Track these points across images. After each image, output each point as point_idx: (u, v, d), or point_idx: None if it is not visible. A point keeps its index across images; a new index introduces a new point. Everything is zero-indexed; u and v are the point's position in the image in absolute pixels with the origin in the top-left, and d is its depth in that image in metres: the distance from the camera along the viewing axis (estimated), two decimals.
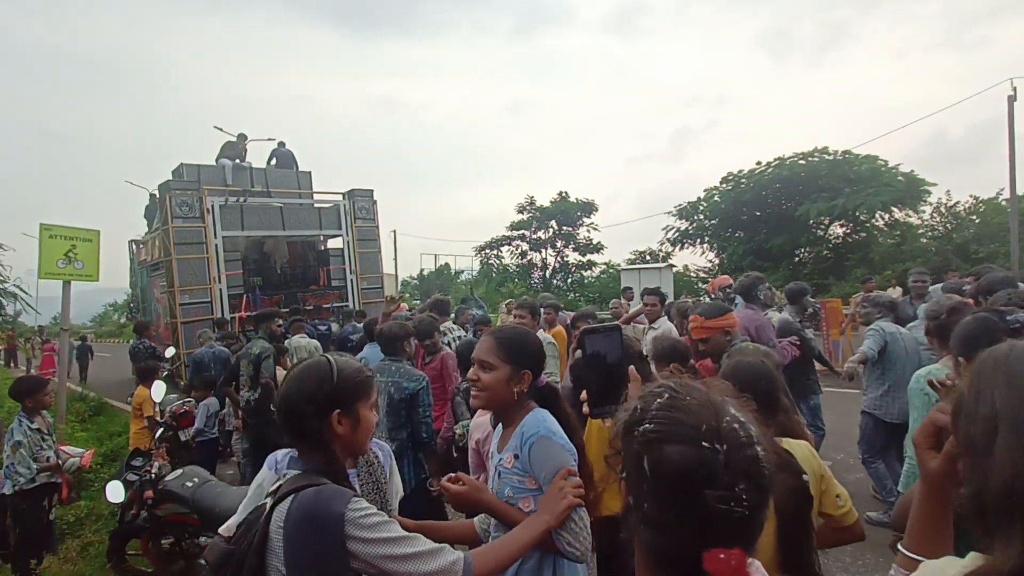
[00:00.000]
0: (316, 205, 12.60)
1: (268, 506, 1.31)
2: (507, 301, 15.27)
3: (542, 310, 5.74)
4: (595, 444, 2.41)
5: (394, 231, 27.58)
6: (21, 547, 3.94)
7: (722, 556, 0.68)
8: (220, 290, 10.85)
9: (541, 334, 5.14)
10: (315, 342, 7.31)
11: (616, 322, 3.69)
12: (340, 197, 12.64)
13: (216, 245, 10.86)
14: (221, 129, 17.72)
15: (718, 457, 0.71)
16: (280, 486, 1.35)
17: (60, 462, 4.17)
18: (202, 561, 3.33)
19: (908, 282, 6.27)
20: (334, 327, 9.73)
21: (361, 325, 8.67)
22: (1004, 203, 20.44)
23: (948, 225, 21.72)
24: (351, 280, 12.36)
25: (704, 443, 0.71)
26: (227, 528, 1.45)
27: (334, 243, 12.98)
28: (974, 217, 21.07)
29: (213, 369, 6.47)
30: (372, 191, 12.87)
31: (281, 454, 1.60)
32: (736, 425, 0.74)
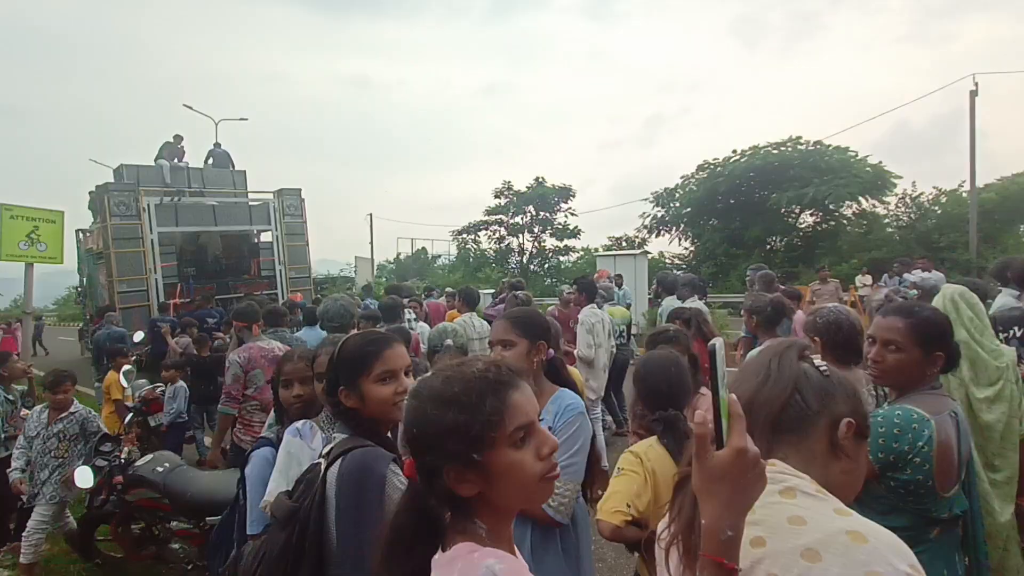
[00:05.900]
0: (248, 203, 13.83)
1: (323, 466, 1.40)
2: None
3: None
4: None
5: (370, 214, 28.35)
6: None
7: (407, 459, 0.93)
8: (156, 280, 12.16)
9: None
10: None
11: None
12: (270, 196, 13.83)
13: (152, 240, 12.14)
14: (191, 107, 18.78)
15: None
16: (332, 448, 1.45)
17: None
18: (175, 546, 3.61)
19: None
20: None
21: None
22: (965, 195, 20.26)
23: (912, 215, 21.64)
24: (280, 270, 13.58)
25: None
26: (272, 495, 1.60)
27: (266, 236, 14.15)
28: (936, 208, 20.98)
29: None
30: (300, 190, 14.01)
31: (301, 424, 1.79)
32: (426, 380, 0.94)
